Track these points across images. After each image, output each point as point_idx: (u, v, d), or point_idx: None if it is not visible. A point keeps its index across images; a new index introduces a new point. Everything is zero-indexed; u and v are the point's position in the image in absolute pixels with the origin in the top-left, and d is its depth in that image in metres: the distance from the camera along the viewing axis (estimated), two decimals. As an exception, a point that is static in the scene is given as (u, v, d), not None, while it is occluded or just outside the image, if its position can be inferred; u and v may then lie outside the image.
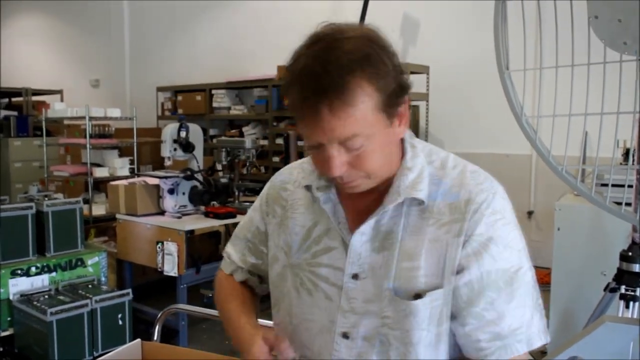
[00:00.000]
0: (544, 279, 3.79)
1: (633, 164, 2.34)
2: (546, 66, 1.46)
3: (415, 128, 5.76)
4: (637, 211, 1.57)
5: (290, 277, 1.13)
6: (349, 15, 5.26)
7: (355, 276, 1.03)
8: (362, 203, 1.05)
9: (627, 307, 2.56)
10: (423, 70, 5.47)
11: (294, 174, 1.21)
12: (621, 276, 2.61)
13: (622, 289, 2.60)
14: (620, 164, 3.18)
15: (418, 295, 0.97)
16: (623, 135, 2.74)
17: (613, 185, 1.59)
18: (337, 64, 0.88)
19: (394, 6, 5.72)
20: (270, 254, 1.20)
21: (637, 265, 2.53)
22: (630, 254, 2.59)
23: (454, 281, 0.97)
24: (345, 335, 1.03)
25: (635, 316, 2.51)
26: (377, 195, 1.04)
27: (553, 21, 1.10)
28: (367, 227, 1.03)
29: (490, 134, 5.20)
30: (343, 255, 1.04)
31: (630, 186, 1.57)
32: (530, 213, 5.56)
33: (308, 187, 1.12)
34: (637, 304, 2.52)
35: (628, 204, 1.78)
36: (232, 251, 1.32)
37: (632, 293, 2.54)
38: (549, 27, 1.19)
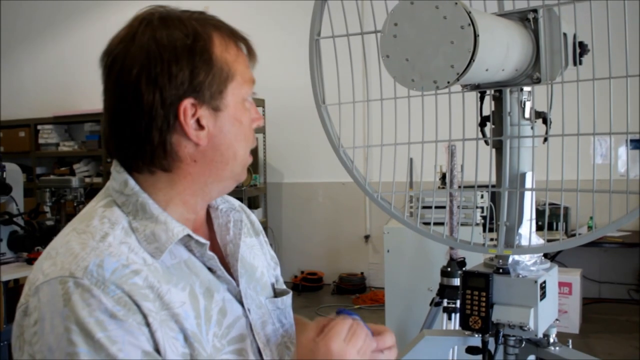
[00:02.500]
0: (382, 299, 4.00)
1: (445, 187, 2.56)
2: (359, 100, 1.56)
3: (254, 160, 5.83)
4: (444, 229, 1.72)
5: None
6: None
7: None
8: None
9: (450, 318, 2.79)
10: (259, 103, 5.58)
11: (125, 252, 0.84)
12: (443, 290, 2.85)
13: (445, 302, 2.84)
14: (439, 187, 3.48)
15: None
16: (441, 161, 3.04)
17: (436, 207, 1.74)
18: None
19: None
20: None
21: (456, 279, 2.78)
22: (449, 269, 2.84)
23: None
24: None
25: (456, 327, 2.74)
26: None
27: (376, 57, 1.18)
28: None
29: (326, 164, 5.41)
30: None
31: (438, 207, 1.72)
32: (367, 237, 5.85)
33: (187, 238, 0.90)
34: (457, 315, 2.77)
35: (441, 224, 1.94)
36: None
37: (453, 305, 2.78)
38: (374, 62, 1.26)
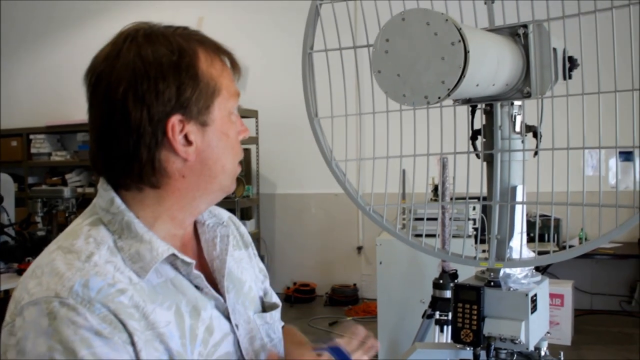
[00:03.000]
0: (374, 311, 3.99)
1: (438, 199, 2.56)
2: (351, 113, 1.56)
3: (247, 170, 5.83)
4: (436, 242, 1.72)
5: None
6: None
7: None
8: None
9: (442, 331, 2.79)
10: (252, 114, 5.59)
11: (110, 271, 0.84)
12: (435, 303, 2.86)
13: (437, 314, 2.84)
14: (431, 200, 3.49)
15: None
16: (433, 173, 3.05)
17: (428, 219, 1.75)
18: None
19: (222, 51, 5.81)
20: None
21: (448, 291, 2.78)
22: (441, 281, 2.85)
23: None
24: None
25: (448, 339, 2.74)
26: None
27: (368, 70, 1.18)
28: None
29: (319, 175, 5.41)
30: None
31: (430, 219, 1.72)
32: (359, 248, 5.85)
33: (173, 257, 0.90)
34: (449, 327, 2.77)
35: (433, 236, 1.95)
36: None
37: (445, 318, 2.78)
38: (367, 75, 1.27)
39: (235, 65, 0.95)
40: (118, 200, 0.89)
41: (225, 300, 0.96)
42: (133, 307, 0.82)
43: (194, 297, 0.91)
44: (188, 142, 0.88)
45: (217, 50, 0.93)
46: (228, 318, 0.95)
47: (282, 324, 1.18)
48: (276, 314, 1.08)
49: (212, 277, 0.98)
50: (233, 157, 0.95)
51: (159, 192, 0.90)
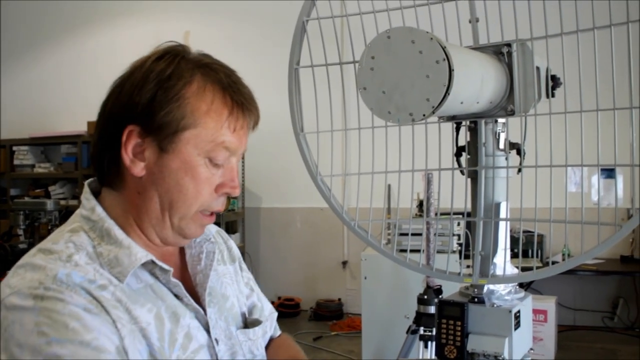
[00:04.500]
0: (359, 326, 3.98)
1: (424, 215, 2.56)
2: (337, 129, 1.57)
3: (233, 184, 5.81)
4: (420, 257, 1.72)
5: None
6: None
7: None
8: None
9: (426, 346, 2.79)
10: (239, 127, 5.58)
11: (91, 270, 0.85)
12: (419, 318, 2.85)
13: (421, 330, 2.84)
14: (415, 215, 3.50)
15: None
16: (417, 189, 3.06)
17: (413, 235, 1.75)
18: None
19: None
20: None
21: (432, 307, 2.78)
22: (425, 297, 2.85)
23: None
24: None
25: (433, 355, 2.74)
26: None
27: (354, 86, 1.19)
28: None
29: (304, 189, 5.42)
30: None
31: (415, 234, 1.73)
32: (344, 263, 5.84)
33: (151, 264, 0.90)
34: (434, 343, 2.76)
35: (417, 251, 1.95)
36: None
37: (430, 333, 2.77)
38: (353, 91, 1.28)
39: (239, 116, 0.91)
40: (99, 209, 0.91)
41: (205, 314, 0.96)
42: (115, 301, 0.83)
43: (173, 304, 0.91)
44: (142, 157, 0.89)
45: (224, 91, 0.90)
46: (208, 331, 0.95)
47: (280, 332, 1.19)
48: (259, 330, 1.08)
49: (194, 291, 0.98)
50: (191, 200, 0.90)
51: (126, 199, 0.92)
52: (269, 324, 1.14)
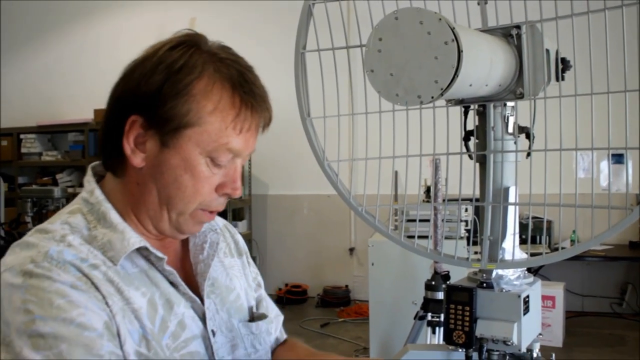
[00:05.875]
0: (366, 312, 3.98)
1: (431, 200, 2.56)
2: (344, 113, 1.55)
3: (240, 171, 5.82)
4: (428, 243, 1.72)
5: None
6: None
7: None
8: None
9: (434, 332, 2.79)
10: (245, 114, 5.57)
11: (84, 250, 0.85)
12: (427, 304, 2.85)
13: (429, 316, 2.84)
14: (423, 201, 3.49)
15: None
16: (425, 174, 3.05)
17: (421, 221, 1.75)
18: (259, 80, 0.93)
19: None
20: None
21: (440, 293, 2.78)
22: (433, 283, 2.84)
23: None
24: None
25: (440, 341, 2.74)
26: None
27: (361, 70, 1.17)
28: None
29: (311, 176, 5.41)
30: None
31: (422, 220, 1.72)
32: (351, 250, 5.85)
33: (146, 251, 0.90)
34: (441, 329, 2.76)
35: (425, 237, 1.94)
36: None
37: (437, 319, 2.77)
38: (360, 75, 1.26)
39: (247, 117, 0.89)
40: (98, 192, 0.91)
41: (203, 303, 0.95)
42: (107, 281, 0.83)
43: (167, 291, 0.90)
44: (143, 148, 0.87)
45: (234, 90, 0.88)
46: (204, 321, 0.94)
47: (285, 337, 1.16)
48: (263, 324, 1.06)
49: (194, 280, 0.97)
50: (189, 198, 0.89)
51: (126, 187, 0.91)
52: (275, 326, 1.13)
